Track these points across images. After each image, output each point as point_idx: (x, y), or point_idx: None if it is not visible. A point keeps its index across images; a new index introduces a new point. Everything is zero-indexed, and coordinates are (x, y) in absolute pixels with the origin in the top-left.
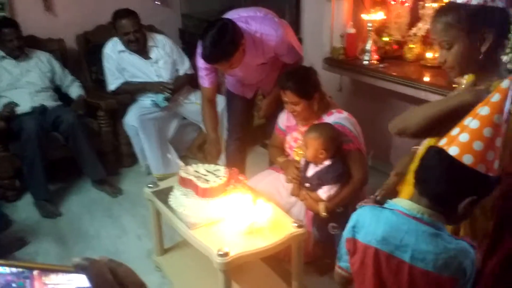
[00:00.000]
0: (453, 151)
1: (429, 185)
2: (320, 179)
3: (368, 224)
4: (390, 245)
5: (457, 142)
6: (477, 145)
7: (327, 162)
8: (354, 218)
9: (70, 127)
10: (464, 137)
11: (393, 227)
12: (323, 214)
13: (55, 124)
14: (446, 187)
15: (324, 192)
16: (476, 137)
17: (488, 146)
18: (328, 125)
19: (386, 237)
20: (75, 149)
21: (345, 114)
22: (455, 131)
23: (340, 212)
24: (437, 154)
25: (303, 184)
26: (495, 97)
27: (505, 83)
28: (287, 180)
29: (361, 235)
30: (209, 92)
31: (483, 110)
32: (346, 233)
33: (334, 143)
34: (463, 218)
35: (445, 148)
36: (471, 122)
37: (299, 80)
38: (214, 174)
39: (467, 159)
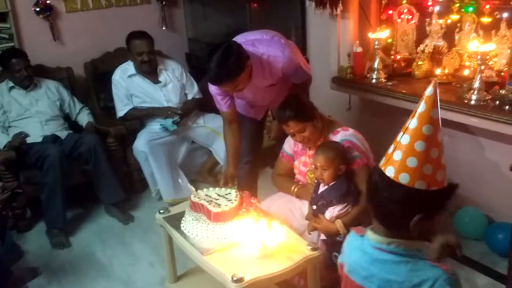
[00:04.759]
0: (389, 171)
1: (377, 209)
2: (324, 199)
3: (345, 252)
4: (359, 275)
5: (392, 161)
6: (411, 162)
7: (332, 182)
8: (344, 243)
9: (91, 150)
10: (397, 155)
11: (360, 258)
12: (343, 231)
13: (75, 148)
14: (391, 209)
15: (329, 212)
16: (408, 153)
17: (423, 160)
18: (333, 142)
19: (356, 268)
20: (96, 171)
21: (351, 131)
22: (390, 148)
23: (340, 241)
24: (378, 177)
25: (311, 207)
26: (421, 107)
27: (428, 91)
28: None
29: (345, 264)
30: (229, 115)
31: (411, 123)
32: (339, 259)
33: (343, 159)
34: (424, 235)
35: (383, 168)
36: (402, 137)
37: (295, 107)
38: (226, 198)
39: (403, 178)
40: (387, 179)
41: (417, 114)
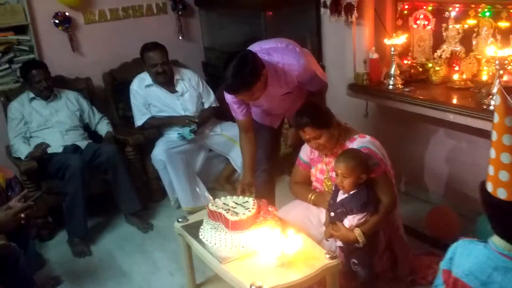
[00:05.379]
0: (489, 187)
1: (492, 224)
2: (344, 207)
3: (459, 256)
4: (477, 280)
5: (489, 176)
6: (503, 176)
7: (352, 191)
8: (451, 250)
9: (110, 159)
10: (491, 170)
11: (482, 262)
12: (362, 240)
13: (94, 158)
14: (502, 223)
15: (348, 220)
16: (498, 167)
17: None
18: (355, 150)
19: (474, 272)
20: (114, 181)
21: (368, 138)
22: (491, 170)
23: (359, 247)
24: (483, 193)
25: (329, 214)
26: (495, 118)
27: (496, 100)
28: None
29: (454, 267)
30: (245, 123)
31: (492, 135)
32: (443, 264)
33: (364, 168)
34: None
35: (492, 191)
36: (491, 151)
37: (312, 113)
38: (243, 206)
39: (501, 193)
40: (488, 195)
41: (494, 126)
